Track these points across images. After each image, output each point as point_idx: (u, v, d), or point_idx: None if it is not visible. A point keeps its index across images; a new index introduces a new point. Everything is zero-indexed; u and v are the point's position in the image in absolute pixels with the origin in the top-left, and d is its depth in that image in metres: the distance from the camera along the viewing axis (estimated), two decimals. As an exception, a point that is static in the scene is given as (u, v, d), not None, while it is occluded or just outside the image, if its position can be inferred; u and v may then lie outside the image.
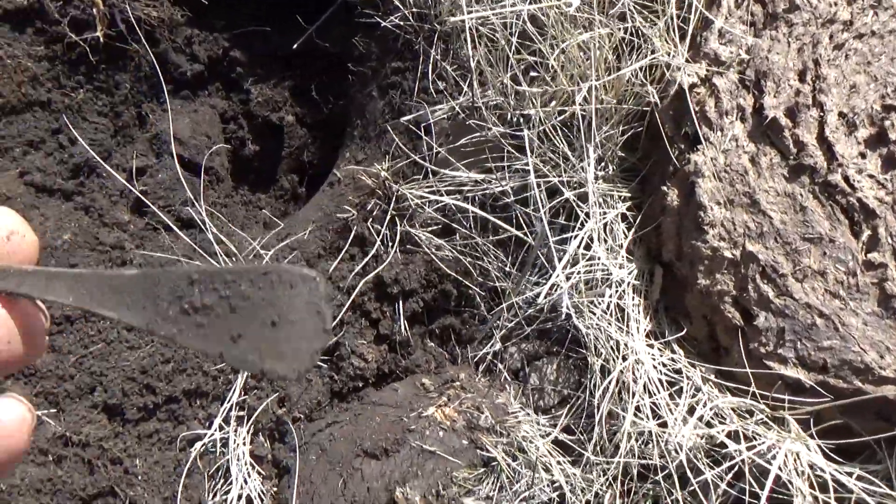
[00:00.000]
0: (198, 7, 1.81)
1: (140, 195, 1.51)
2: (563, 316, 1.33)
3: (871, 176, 1.29)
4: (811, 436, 1.25)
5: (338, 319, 1.40)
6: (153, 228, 1.60)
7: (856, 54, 1.36)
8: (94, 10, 1.65)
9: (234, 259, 1.51)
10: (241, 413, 1.32)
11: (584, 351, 1.38)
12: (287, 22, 1.91)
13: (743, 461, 1.23)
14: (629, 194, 1.45)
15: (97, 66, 1.71)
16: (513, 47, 1.37)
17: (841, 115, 1.32)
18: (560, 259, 1.31)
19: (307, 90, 1.97)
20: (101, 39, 1.67)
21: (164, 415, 1.31)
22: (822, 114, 1.31)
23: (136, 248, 1.53)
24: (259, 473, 1.31)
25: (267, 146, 1.98)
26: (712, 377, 1.34)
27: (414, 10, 1.58)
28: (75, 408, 1.30)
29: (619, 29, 1.37)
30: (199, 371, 1.33)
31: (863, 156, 1.31)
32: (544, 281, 1.37)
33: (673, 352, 1.37)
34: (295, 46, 1.87)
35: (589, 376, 1.37)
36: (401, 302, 1.41)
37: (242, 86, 1.96)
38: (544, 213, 1.32)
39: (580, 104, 1.34)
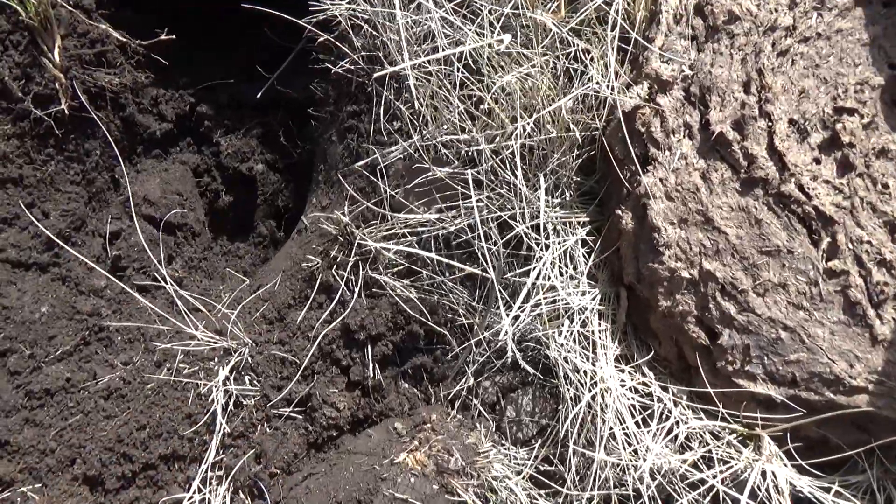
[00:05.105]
0: (160, 67, 1.84)
1: (101, 273, 1.53)
2: (509, 359, 1.32)
3: (826, 181, 1.27)
4: (788, 452, 1.23)
5: (306, 369, 1.41)
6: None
7: (802, 58, 1.34)
8: (56, 83, 1.69)
9: (203, 317, 1.53)
10: (220, 473, 1.34)
11: (555, 381, 1.38)
12: (249, 73, 1.94)
13: (719, 483, 1.21)
14: (588, 218, 1.45)
15: (66, 137, 1.74)
16: (456, 89, 1.37)
17: (791, 122, 1.30)
18: (518, 293, 1.30)
19: (276, 137, 1.99)
20: (66, 112, 1.71)
21: (143, 481, 1.33)
22: (770, 123, 1.29)
23: (112, 314, 1.55)
24: (242, 531, 1.33)
25: (241, 195, 2.01)
26: (684, 399, 1.32)
27: (363, 53, 1.59)
28: (57, 481, 1.32)
29: (559, 58, 1.37)
30: (175, 435, 1.35)
31: (817, 161, 1.29)
32: (510, 313, 1.36)
33: (643, 374, 1.35)
34: (259, 95, 1.89)
35: (562, 406, 1.37)
36: (369, 347, 1.42)
37: (212, 138, 1.99)
38: (499, 247, 1.32)
39: (526, 136, 1.35)
